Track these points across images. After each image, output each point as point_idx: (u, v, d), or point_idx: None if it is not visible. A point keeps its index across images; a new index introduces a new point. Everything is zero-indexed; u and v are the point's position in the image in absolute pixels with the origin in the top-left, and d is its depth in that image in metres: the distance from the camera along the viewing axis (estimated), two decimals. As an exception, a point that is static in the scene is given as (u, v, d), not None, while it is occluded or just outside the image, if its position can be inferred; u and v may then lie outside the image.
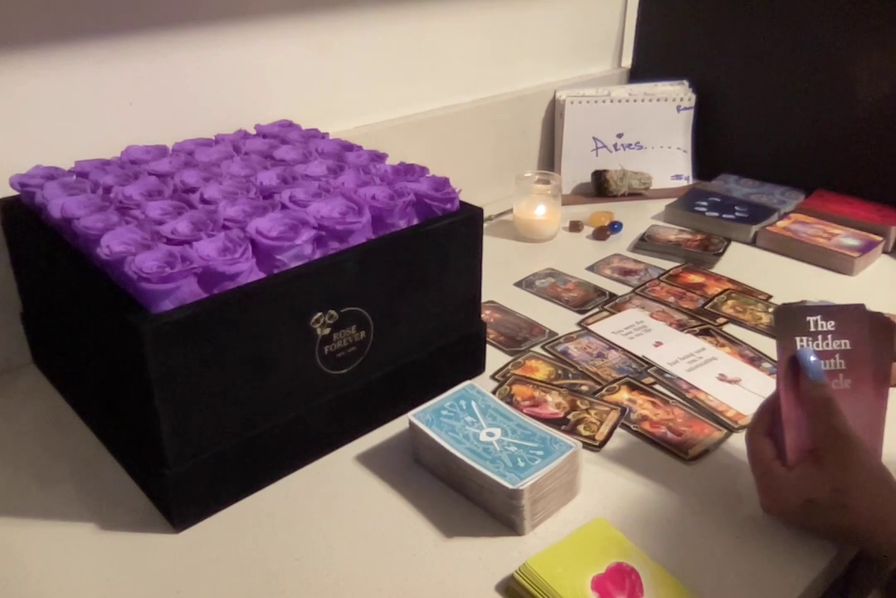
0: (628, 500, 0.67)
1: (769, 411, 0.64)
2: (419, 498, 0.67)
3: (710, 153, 1.33)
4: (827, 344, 0.62)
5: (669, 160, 1.33)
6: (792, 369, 0.62)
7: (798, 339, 0.62)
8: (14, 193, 0.74)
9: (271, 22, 0.94)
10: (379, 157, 0.81)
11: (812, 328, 0.63)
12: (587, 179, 1.30)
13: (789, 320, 0.63)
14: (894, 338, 0.63)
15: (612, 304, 0.98)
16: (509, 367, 0.85)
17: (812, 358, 0.61)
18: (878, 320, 0.63)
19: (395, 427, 0.76)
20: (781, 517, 0.63)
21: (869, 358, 0.62)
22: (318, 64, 1.01)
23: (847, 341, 0.62)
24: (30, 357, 0.86)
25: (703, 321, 0.94)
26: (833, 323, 0.63)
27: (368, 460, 0.72)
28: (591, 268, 1.07)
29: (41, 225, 0.70)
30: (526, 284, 1.03)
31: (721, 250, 1.10)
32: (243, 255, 0.60)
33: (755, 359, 0.86)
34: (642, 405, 0.79)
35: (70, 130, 0.83)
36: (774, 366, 0.84)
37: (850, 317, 0.63)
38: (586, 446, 0.72)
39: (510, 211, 1.18)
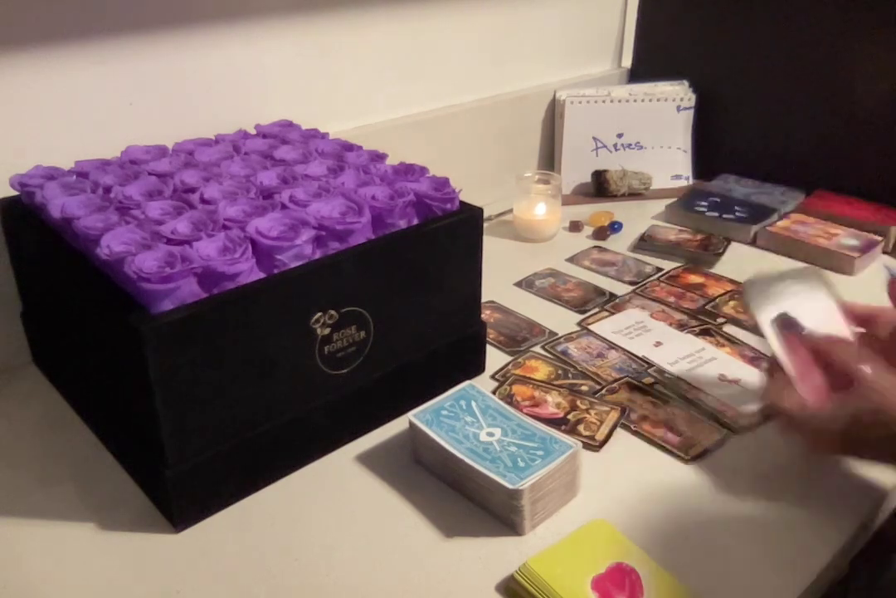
0: (628, 500, 0.67)
1: (779, 390, 0.65)
2: (419, 498, 0.67)
3: (710, 153, 1.33)
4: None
5: (669, 160, 1.33)
6: (783, 331, 0.64)
7: (775, 306, 0.65)
8: (14, 193, 0.74)
9: (271, 22, 0.94)
10: (379, 157, 0.81)
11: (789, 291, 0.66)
12: (587, 179, 1.30)
13: (762, 289, 0.66)
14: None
15: (612, 304, 0.98)
16: (509, 367, 0.85)
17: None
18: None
19: (395, 427, 0.76)
20: (833, 451, 0.66)
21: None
22: (318, 64, 1.01)
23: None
24: (30, 357, 0.86)
25: (703, 321, 0.94)
26: (802, 285, 0.67)
27: (368, 460, 0.72)
28: (570, 260, 1.09)
29: (41, 225, 0.70)
30: (526, 284, 1.03)
31: (721, 250, 1.10)
32: (243, 255, 0.60)
33: (755, 359, 0.86)
34: (642, 405, 0.79)
35: (70, 130, 0.83)
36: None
37: (809, 277, 0.68)
38: (586, 446, 0.72)
39: (510, 211, 1.18)
